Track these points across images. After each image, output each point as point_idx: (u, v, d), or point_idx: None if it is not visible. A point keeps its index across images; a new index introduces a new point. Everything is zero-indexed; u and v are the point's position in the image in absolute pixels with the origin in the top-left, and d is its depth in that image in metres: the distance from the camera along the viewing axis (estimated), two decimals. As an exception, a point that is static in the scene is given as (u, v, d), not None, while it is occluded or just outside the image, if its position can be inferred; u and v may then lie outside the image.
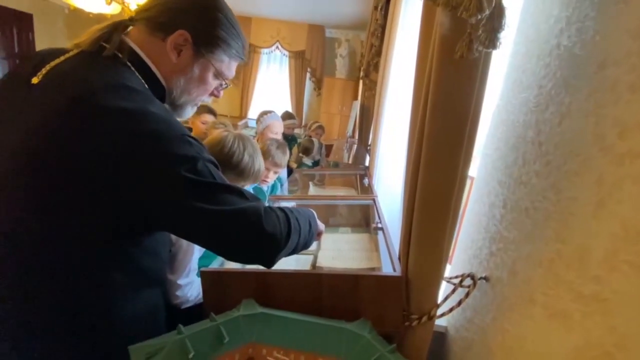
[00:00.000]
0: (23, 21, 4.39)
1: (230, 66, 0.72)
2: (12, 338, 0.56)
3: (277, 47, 5.26)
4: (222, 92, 0.76)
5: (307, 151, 2.94)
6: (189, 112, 0.74)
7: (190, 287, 0.93)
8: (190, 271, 0.93)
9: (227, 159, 0.99)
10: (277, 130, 2.13)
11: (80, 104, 0.52)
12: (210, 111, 2.48)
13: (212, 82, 0.71)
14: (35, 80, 0.57)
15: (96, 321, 0.59)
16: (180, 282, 0.90)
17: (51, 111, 0.53)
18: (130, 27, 0.65)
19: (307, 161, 2.97)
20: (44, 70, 0.57)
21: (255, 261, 0.64)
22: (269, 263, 0.64)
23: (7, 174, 0.54)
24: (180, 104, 0.71)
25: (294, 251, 0.69)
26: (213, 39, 0.66)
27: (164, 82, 0.66)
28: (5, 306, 0.55)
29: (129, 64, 0.61)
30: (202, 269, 0.77)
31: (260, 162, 1.07)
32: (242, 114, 5.39)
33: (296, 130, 5.22)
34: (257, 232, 0.58)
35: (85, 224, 0.54)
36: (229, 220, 0.57)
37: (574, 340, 0.43)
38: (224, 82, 0.73)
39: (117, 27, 0.63)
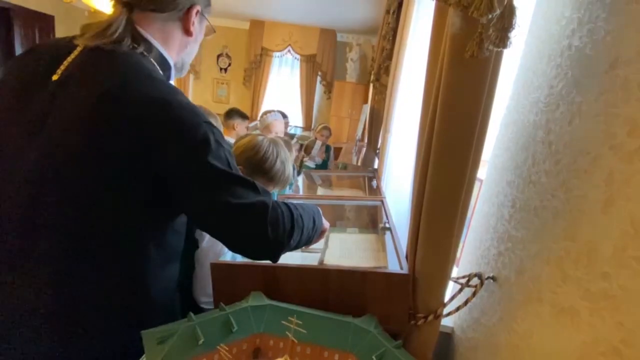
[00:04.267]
0: (44, 22, 4.54)
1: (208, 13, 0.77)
2: (59, 319, 0.59)
3: (289, 51, 5.32)
4: None
5: (306, 149, 3.01)
6: (187, 69, 0.79)
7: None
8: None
9: (260, 164, 1.00)
10: (278, 129, 2.18)
11: (112, 96, 0.56)
12: (242, 115, 2.58)
13: (203, 34, 0.77)
14: (55, 77, 0.59)
15: (132, 298, 0.64)
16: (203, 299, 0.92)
17: (84, 104, 0.56)
18: (134, 13, 0.65)
19: (310, 163, 3.00)
20: (62, 67, 0.59)
21: (258, 256, 0.66)
22: (273, 259, 0.65)
23: (46, 167, 0.56)
24: (182, 65, 0.76)
25: (297, 247, 0.71)
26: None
27: (171, 62, 0.71)
28: (52, 289, 0.58)
29: (145, 52, 0.64)
30: (212, 261, 0.79)
31: (290, 170, 1.08)
32: (253, 117, 5.45)
33: (304, 133, 5.27)
34: (260, 228, 0.59)
35: (126, 205, 0.59)
36: (236, 213, 0.58)
37: (582, 337, 0.43)
38: (209, 31, 0.78)
39: (127, 21, 0.63)
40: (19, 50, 4.27)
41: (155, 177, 0.58)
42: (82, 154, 0.56)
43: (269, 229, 0.59)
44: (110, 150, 0.56)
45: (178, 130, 0.57)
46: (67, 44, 0.62)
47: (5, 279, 0.57)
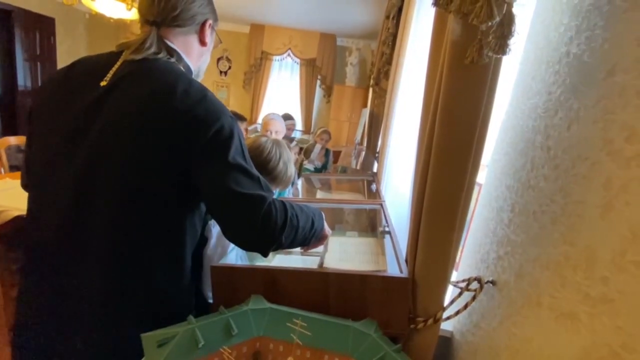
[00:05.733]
0: (45, 25, 4.56)
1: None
2: (108, 307, 0.66)
3: (289, 55, 5.34)
4: None
5: (306, 153, 3.02)
6: (201, 77, 0.87)
7: None
8: None
9: (264, 164, 1.03)
10: (272, 128, 2.20)
11: (160, 94, 0.64)
12: (239, 117, 2.60)
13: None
14: (103, 83, 0.67)
15: (169, 281, 0.71)
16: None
17: (134, 102, 0.64)
18: (161, 30, 0.75)
19: (309, 166, 3.01)
20: (109, 75, 0.68)
21: (248, 247, 0.72)
22: (262, 252, 0.70)
23: (99, 158, 0.63)
24: (198, 72, 0.85)
25: (291, 245, 0.75)
26: (216, 14, 0.83)
27: (193, 68, 0.80)
28: (103, 277, 0.65)
29: (176, 61, 0.74)
30: (213, 264, 0.79)
31: (292, 170, 1.11)
32: (253, 119, 5.46)
33: (303, 136, 5.28)
34: (252, 219, 0.64)
35: (167, 187, 0.65)
36: (234, 200, 0.64)
37: (581, 341, 0.43)
38: (217, 42, 0.88)
39: (159, 37, 0.73)
40: (19, 52, 4.27)
41: (187, 159, 0.64)
42: (133, 143, 0.63)
43: (260, 222, 0.64)
44: (157, 139, 0.63)
45: (211, 122, 0.65)
46: (109, 57, 0.71)
47: (59, 270, 0.65)
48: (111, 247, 0.64)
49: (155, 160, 0.63)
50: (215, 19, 0.83)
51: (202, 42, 0.80)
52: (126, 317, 0.67)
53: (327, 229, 0.86)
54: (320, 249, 1.10)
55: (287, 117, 3.17)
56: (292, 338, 0.63)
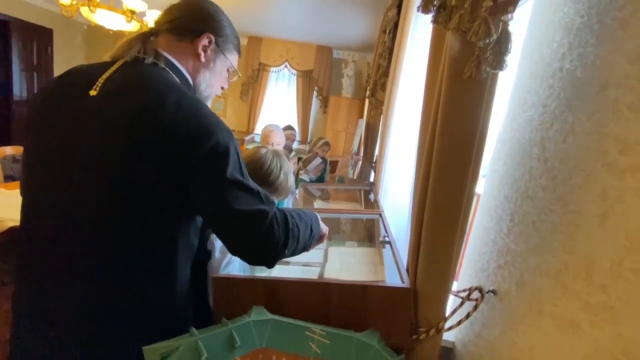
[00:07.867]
0: (43, 35, 4.58)
1: (236, 59, 0.88)
2: (92, 319, 0.64)
3: (286, 66, 5.41)
4: (227, 84, 0.90)
5: (305, 163, 3.01)
6: (209, 104, 0.84)
7: None
8: None
9: (266, 176, 1.04)
10: (273, 140, 2.21)
11: (149, 106, 0.62)
12: None
13: (225, 75, 0.86)
14: (93, 92, 0.65)
15: (160, 298, 0.68)
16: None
17: (123, 115, 0.62)
18: (154, 36, 0.75)
19: (305, 177, 3.01)
20: (99, 84, 0.65)
21: (253, 261, 0.70)
22: (267, 265, 0.70)
23: (90, 170, 0.62)
24: (205, 97, 0.82)
25: (293, 254, 0.75)
26: (226, 37, 0.81)
27: (191, 81, 0.78)
28: (90, 288, 0.63)
29: (167, 68, 0.72)
30: (214, 275, 0.79)
31: (292, 179, 1.12)
32: (249, 129, 5.49)
33: (300, 146, 5.31)
34: (255, 236, 0.64)
35: (158, 202, 0.64)
36: (236, 219, 0.63)
37: (583, 349, 0.44)
38: (234, 74, 0.88)
39: (145, 38, 0.73)
40: (16, 63, 4.28)
41: (180, 175, 0.63)
42: (123, 158, 0.61)
43: (263, 237, 0.64)
44: (148, 154, 0.61)
45: (205, 137, 0.62)
46: (102, 67, 0.69)
47: (45, 280, 0.64)
48: (101, 261, 0.63)
49: (147, 176, 0.62)
50: (226, 42, 0.80)
51: (197, 55, 0.76)
52: (120, 329, 0.66)
53: (323, 227, 0.86)
54: (320, 259, 1.10)
55: (288, 128, 3.18)
56: (295, 349, 0.63)
